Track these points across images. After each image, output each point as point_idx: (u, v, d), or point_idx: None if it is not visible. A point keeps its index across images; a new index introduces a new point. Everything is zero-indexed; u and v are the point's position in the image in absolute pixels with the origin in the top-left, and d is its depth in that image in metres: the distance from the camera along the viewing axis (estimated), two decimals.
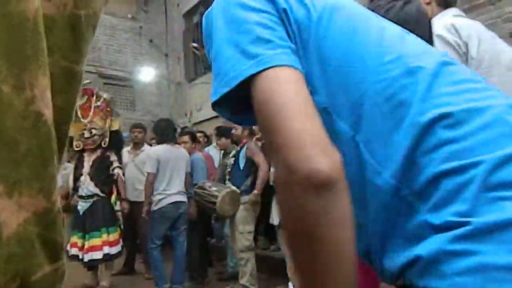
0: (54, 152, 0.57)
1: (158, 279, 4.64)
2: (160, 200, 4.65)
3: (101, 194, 4.94)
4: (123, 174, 5.25)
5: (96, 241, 4.80)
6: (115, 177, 5.10)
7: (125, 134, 5.90)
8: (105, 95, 5.28)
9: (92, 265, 4.93)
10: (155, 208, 4.67)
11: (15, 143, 0.52)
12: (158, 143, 4.92)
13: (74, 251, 4.88)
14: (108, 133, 5.12)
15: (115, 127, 5.23)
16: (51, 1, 0.59)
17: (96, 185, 4.94)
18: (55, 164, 0.57)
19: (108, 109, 5.20)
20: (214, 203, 4.33)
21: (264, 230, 5.48)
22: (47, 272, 0.58)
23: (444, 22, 1.54)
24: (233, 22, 0.66)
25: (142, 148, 5.70)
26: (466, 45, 1.48)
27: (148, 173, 4.70)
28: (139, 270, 5.75)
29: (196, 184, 4.73)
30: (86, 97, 5.20)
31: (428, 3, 1.74)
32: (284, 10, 0.67)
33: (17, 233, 0.52)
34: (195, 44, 10.57)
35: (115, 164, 5.10)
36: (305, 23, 0.67)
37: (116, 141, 5.21)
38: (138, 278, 5.54)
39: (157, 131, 5.03)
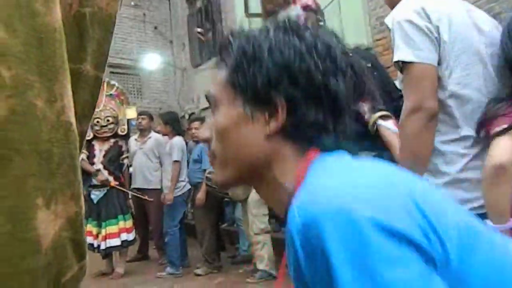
0: (78, 157, 0.58)
1: (177, 260, 4.98)
2: (183, 186, 5.15)
3: (115, 182, 5.00)
4: (130, 163, 5.33)
5: (114, 229, 4.88)
6: (124, 167, 5.15)
7: (132, 122, 5.93)
8: (117, 84, 5.31)
9: (109, 252, 5.02)
10: (180, 193, 5.11)
11: (50, 154, 0.53)
12: (175, 134, 5.29)
13: (89, 239, 4.95)
14: (125, 121, 5.17)
15: (132, 115, 5.28)
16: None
17: (110, 173, 5.00)
18: (80, 168, 0.59)
19: (122, 97, 5.24)
20: None
21: (274, 213, 5.49)
22: (75, 271, 0.60)
23: (414, 5, 1.46)
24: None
25: (149, 135, 5.71)
26: (438, 28, 1.42)
27: (176, 162, 5.10)
28: (153, 256, 5.83)
29: (205, 170, 4.77)
30: None
31: None
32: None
33: (53, 241, 0.53)
34: (199, 29, 10.50)
35: (126, 153, 5.16)
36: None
37: (128, 130, 5.26)
38: (152, 264, 5.62)
39: (172, 124, 5.36)
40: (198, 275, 4.79)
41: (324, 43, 0.71)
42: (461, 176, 1.40)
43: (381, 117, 2.39)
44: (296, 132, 0.69)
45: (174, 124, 5.42)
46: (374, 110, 2.41)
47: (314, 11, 2.53)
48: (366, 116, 2.44)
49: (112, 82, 5.36)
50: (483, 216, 1.37)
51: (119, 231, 4.89)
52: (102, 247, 4.86)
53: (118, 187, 4.92)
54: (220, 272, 4.96)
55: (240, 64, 0.71)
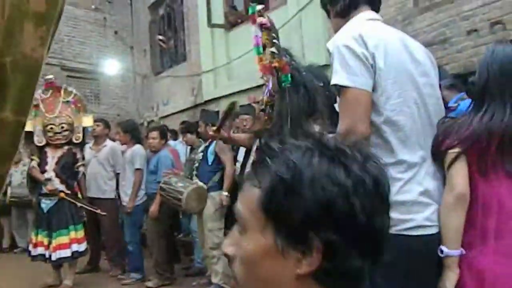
0: None
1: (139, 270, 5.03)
2: (143, 195, 5.12)
3: (67, 191, 4.83)
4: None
5: (64, 239, 4.70)
6: (79, 175, 5.00)
7: (89, 129, 5.77)
8: (74, 91, 5.16)
9: (60, 264, 4.84)
10: (140, 202, 5.08)
11: None
12: (135, 143, 5.24)
13: (40, 250, 4.76)
14: (80, 129, 5.02)
15: (88, 123, 5.13)
16: None
17: (62, 181, 4.83)
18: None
19: (79, 105, 5.08)
20: (180, 199, 4.29)
21: (230, 225, 5.48)
22: None
23: (353, 31, 1.51)
24: None
25: (104, 144, 5.59)
26: (373, 55, 1.47)
27: (138, 170, 5.07)
28: (104, 267, 5.67)
29: (159, 182, 4.71)
30: (50, 91, 5.05)
31: (333, 17, 1.74)
32: None
33: None
34: (161, 37, 10.43)
35: (80, 162, 4.99)
36: None
37: (83, 138, 5.11)
38: (102, 275, 5.46)
39: (132, 132, 5.31)
40: (149, 287, 4.70)
41: (373, 178, 0.63)
42: (397, 199, 1.43)
43: None
44: (330, 279, 0.63)
45: (133, 132, 5.35)
46: (323, 129, 2.47)
47: (269, 29, 2.58)
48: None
49: (70, 88, 5.20)
50: (415, 237, 1.43)
51: (70, 242, 4.71)
52: (53, 258, 4.67)
53: (67, 198, 4.74)
54: (173, 284, 4.88)
55: (276, 191, 0.63)
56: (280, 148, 0.67)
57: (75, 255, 4.76)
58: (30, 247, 4.89)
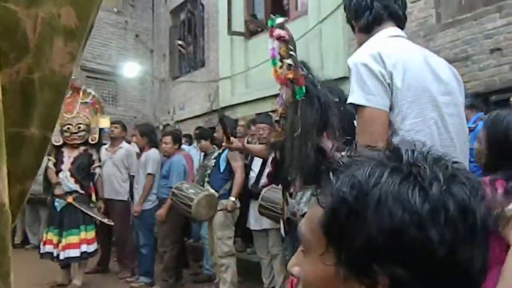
0: (9, 237, 0.57)
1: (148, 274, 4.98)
2: (155, 199, 5.06)
3: (81, 191, 4.88)
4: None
5: (75, 239, 4.73)
6: (96, 176, 5.03)
7: (105, 130, 5.82)
8: (93, 92, 5.22)
9: (68, 263, 4.86)
10: (152, 206, 5.05)
11: None
12: (151, 147, 5.21)
13: (48, 248, 4.81)
14: (97, 130, 5.06)
15: (105, 125, 5.18)
16: (2, 71, 0.57)
17: (76, 181, 4.87)
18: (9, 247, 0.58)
19: (97, 106, 5.14)
20: (190, 206, 4.29)
21: (241, 232, 5.47)
22: None
23: (372, 49, 1.49)
24: None
25: (120, 145, 5.64)
26: (391, 74, 1.44)
27: (150, 175, 5.03)
28: (113, 269, 5.68)
29: (171, 187, 4.74)
30: (70, 92, 5.13)
31: (358, 31, 1.71)
32: None
33: None
34: (180, 42, 10.52)
35: (97, 163, 5.03)
36: None
37: (100, 139, 5.15)
38: (111, 277, 5.47)
39: (149, 136, 5.30)
40: None
41: (458, 203, 0.52)
42: None
43: None
44: None
45: (150, 136, 5.35)
46: (338, 149, 2.43)
47: (286, 41, 2.59)
48: (330, 153, 2.47)
49: (89, 90, 5.26)
50: None
51: (79, 242, 4.74)
52: (61, 257, 4.70)
53: (74, 203, 4.77)
54: None
55: (337, 212, 0.55)
56: (348, 161, 0.59)
57: (84, 255, 4.78)
58: (41, 245, 4.94)
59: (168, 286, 4.77)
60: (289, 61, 2.58)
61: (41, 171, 6.96)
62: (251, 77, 8.37)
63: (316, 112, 2.58)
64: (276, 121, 4.30)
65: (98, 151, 5.18)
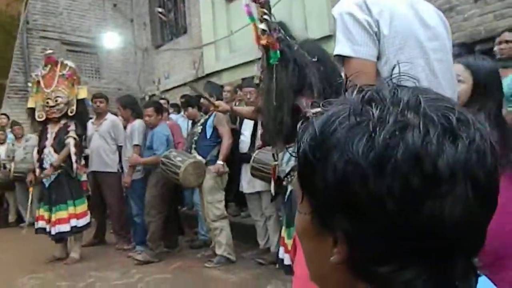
0: None
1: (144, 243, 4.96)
2: (143, 169, 5.03)
3: (65, 166, 4.84)
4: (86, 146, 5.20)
5: (63, 214, 4.75)
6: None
7: (88, 102, 5.73)
8: (70, 63, 5.09)
9: (60, 238, 4.90)
10: (141, 176, 5.03)
11: None
12: (135, 118, 5.19)
13: (41, 224, 4.85)
14: (74, 102, 4.97)
15: (83, 95, 5.07)
16: None
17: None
18: None
19: (74, 77, 5.03)
20: (177, 173, 4.31)
21: (234, 197, 5.52)
22: None
23: None
24: None
25: (105, 117, 5.59)
26: (378, 22, 1.41)
27: (137, 146, 5.02)
28: (109, 240, 5.74)
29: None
30: (49, 66, 5.02)
31: None
32: None
33: None
34: (160, 9, 10.25)
35: (71, 133, 4.92)
36: None
37: (82, 110, 5.05)
38: (109, 248, 5.53)
39: (132, 107, 5.28)
40: (136, 260, 4.67)
41: (408, 150, 0.45)
42: None
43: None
44: (365, 273, 0.50)
45: (133, 107, 5.32)
46: (313, 105, 2.43)
47: (261, 4, 2.54)
48: (305, 112, 2.47)
49: (66, 61, 5.14)
50: None
51: (68, 217, 4.76)
52: (52, 232, 4.74)
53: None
54: (178, 257, 4.94)
55: (301, 164, 0.53)
56: (322, 110, 0.55)
57: (74, 230, 4.81)
58: (35, 220, 4.98)
59: (152, 256, 4.75)
60: (262, 26, 2.55)
61: (27, 149, 6.93)
62: (235, 41, 8.23)
63: (292, 75, 2.57)
64: (257, 85, 4.28)
65: (81, 123, 5.05)
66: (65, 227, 4.74)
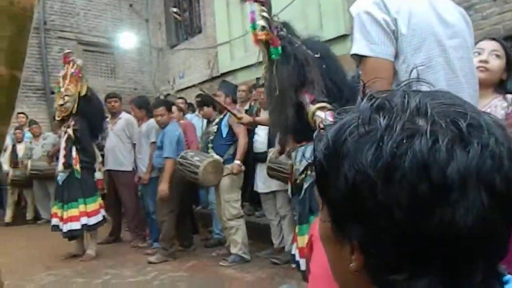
0: None
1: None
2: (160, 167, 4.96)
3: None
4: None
5: (74, 212, 4.80)
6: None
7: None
8: (78, 61, 5.12)
9: (72, 236, 4.94)
10: (156, 175, 5.03)
11: None
12: (149, 117, 5.26)
13: (55, 221, 4.92)
14: (77, 99, 4.98)
15: (83, 92, 5.06)
16: None
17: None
18: None
19: (80, 75, 5.04)
20: (197, 173, 4.32)
21: (249, 196, 5.52)
22: None
23: None
24: None
25: (120, 116, 5.66)
26: (396, 21, 1.40)
27: (154, 143, 5.07)
28: (125, 238, 5.79)
29: (165, 158, 4.75)
30: (66, 66, 5.10)
31: None
32: None
33: None
34: (175, 9, 10.30)
35: (68, 130, 4.91)
36: None
37: (84, 107, 4.99)
38: (124, 246, 5.58)
39: (147, 107, 5.37)
40: (151, 262, 4.64)
41: (416, 159, 0.44)
42: None
43: (320, 108, 2.43)
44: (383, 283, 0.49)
45: (147, 107, 5.39)
46: (314, 102, 2.47)
47: (261, 3, 2.56)
48: (307, 108, 2.48)
49: (74, 59, 5.13)
50: None
51: (79, 215, 4.80)
52: (64, 229, 4.80)
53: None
54: (193, 255, 4.97)
55: (318, 172, 0.54)
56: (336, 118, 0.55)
57: (85, 228, 4.85)
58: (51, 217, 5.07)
59: (166, 256, 4.74)
60: (261, 22, 2.57)
61: (44, 147, 7.04)
62: (250, 40, 8.20)
63: (293, 70, 2.59)
64: (262, 85, 4.30)
65: (86, 119, 5.00)
66: (76, 225, 4.79)
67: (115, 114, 5.67)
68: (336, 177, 0.49)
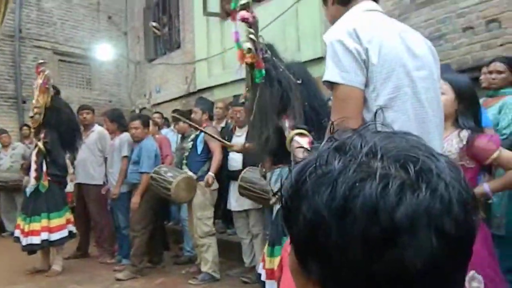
0: None
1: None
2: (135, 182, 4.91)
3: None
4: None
5: (36, 226, 4.67)
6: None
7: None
8: (46, 71, 5.00)
9: (31, 250, 4.79)
10: (127, 190, 4.98)
11: None
12: (122, 131, 5.20)
13: (17, 233, 4.80)
14: (43, 110, 4.87)
15: (48, 103, 4.93)
16: None
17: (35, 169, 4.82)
18: None
19: (47, 86, 4.93)
20: (169, 189, 4.30)
21: (222, 214, 5.50)
22: None
23: (347, 25, 1.48)
24: None
25: (92, 129, 5.58)
26: (367, 50, 1.44)
27: (125, 157, 5.02)
28: (93, 253, 5.66)
29: (142, 173, 4.71)
30: (38, 76, 5.00)
31: (332, 3, 1.69)
32: None
33: None
34: (154, 24, 10.30)
35: (39, 142, 4.84)
36: None
37: (51, 118, 4.88)
38: (91, 261, 5.45)
39: (119, 121, 5.28)
40: (119, 279, 4.56)
41: (365, 202, 0.46)
42: None
43: (298, 134, 2.47)
44: None
45: (120, 120, 5.33)
46: (293, 127, 2.51)
47: (249, 23, 2.60)
48: (286, 133, 2.53)
49: (43, 69, 5.00)
50: None
51: (41, 229, 4.66)
52: (23, 243, 4.66)
53: None
54: (162, 272, 4.89)
55: (283, 207, 0.56)
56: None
57: (45, 244, 4.70)
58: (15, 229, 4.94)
59: (134, 272, 4.68)
60: (248, 44, 2.60)
61: (13, 157, 6.86)
62: (228, 58, 8.29)
63: (276, 94, 2.63)
64: (242, 103, 4.35)
65: (54, 130, 4.89)
66: (36, 239, 4.64)
67: (87, 127, 5.59)
68: (296, 215, 0.51)
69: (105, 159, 5.51)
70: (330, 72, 1.46)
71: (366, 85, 1.47)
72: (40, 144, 4.80)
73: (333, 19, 1.68)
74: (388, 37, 1.52)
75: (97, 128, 5.64)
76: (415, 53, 1.55)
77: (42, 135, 4.84)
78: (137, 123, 4.89)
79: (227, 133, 5.02)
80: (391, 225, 0.45)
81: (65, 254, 5.09)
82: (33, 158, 4.85)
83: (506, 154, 2.09)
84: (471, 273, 1.96)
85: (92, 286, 4.39)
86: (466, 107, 2.15)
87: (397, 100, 1.48)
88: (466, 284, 1.97)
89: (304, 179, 0.52)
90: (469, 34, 4.79)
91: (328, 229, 0.48)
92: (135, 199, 4.69)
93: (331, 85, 1.48)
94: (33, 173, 4.77)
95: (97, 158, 5.51)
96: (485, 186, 2.14)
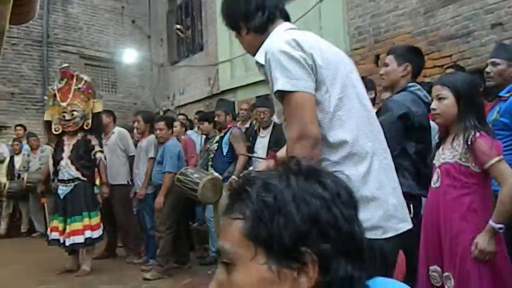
0: None
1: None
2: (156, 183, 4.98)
3: (82, 178, 4.91)
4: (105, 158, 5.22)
5: (78, 225, 4.78)
6: (97, 161, 5.05)
7: None
8: (86, 77, 5.19)
9: (73, 249, 4.92)
10: (152, 191, 5.03)
11: None
12: (150, 133, 5.24)
13: (54, 235, 4.87)
14: (90, 116, 5.06)
15: (98, 109, 5.17)
16: None
17: (77, 169, 4.90)
18: None
19: (90, 91, 5.13)
20: (196, 190, 4.32)
21: None
22: None
23: (284, 37, 1.48)
24: None
25: (113, 130, 5.69)
26: (311, 55, 1.45)
27: (153, 158, 5.04)
28: (120, 254, 5.75)
29: (165, 173, 4.75)
30: (65, 80, 5.12)
31: (246, 34, 1.70)
32: None
33: None
34: (178, 26, 10.42)
35: (97, 148, 5.06)
36: None
37: (97, 124, 5.15)
38: (119, 261, 5.53)
39: (152, 123, 5.28)
40: (146, 279, 4.61)
41: (346, 189, 0.68)
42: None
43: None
44: None
45: (152, 123, 5.39)
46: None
47: None
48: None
49: (81, 75, 5.23)
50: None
51: (83, 228, 4.78)
52: (67, 243, 4.76)
53: None
54: (188, 273, 4.93)
55: (261, 216, 0.64)
56: (255, 177, 0.69)
57: (88, 241, 4.82)
58: (49, 231, 5.01)
59: (161, 273, 4.72)
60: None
61: (42, 159, 7.01)
62: (251, 59, 8.27)
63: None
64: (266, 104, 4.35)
65: (98, 137, 5.17)
66: (80, 239, 4.76)
67: (106, 128, 5.69)
68: (292, 209, 0.66)
69: (128, 158, 5.60)
70: (280, 82, 1.43)
71: (318, 88, 1.46)
72: (97, 148, 5.08)
73: (251, 48, 1.71)
74: (322, 43, 1.54)
75: (116, 129, 5.76)
76: (343, 57, 1.59)
77: (94, 141, 5.05)
78: (161, 124, 4.97)
79: (251, 134, 5.03)
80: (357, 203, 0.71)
81: (93, 255, 5.19)
82: (103, 163, 5.13)
83: (502, 166, 1.98)
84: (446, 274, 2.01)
85: (120, 286, 4.46)
86: (467, 106, 2.08)
87: (344, 99, 1.49)
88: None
89: (287, 184, 0.67)
90: (498, 30, 4.68)
91: (328, 210, 0.67)
92: (159, 199, 4.74)
93: (283, 96, 1.45)
94: (71, 172, 4.89)
95: (119, 158, 5.59)
96: (490, 223, 1.95)
